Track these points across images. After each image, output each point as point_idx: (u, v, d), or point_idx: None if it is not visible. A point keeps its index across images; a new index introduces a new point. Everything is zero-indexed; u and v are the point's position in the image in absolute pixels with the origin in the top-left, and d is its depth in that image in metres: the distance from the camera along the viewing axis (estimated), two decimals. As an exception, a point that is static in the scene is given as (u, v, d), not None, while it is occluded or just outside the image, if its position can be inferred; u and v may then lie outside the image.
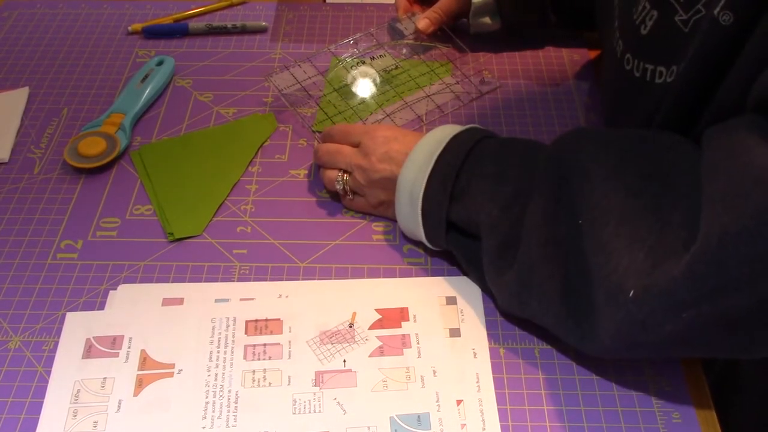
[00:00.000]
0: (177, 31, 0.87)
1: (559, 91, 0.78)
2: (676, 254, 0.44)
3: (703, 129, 0.51)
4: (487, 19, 0.80)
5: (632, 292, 0.46)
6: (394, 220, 0.64)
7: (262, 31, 0.87)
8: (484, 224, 0.55)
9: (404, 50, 0.81)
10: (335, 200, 0.67)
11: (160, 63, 0.80)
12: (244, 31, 0.87)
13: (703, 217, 0.43)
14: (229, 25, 0.87)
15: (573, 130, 0.55)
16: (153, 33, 0.86)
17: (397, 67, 0.79)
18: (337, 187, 0.64)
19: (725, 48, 0.48)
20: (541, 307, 0.52)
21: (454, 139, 0.58)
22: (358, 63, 0.79)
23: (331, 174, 0.64)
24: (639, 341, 0.48)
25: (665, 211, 0.46)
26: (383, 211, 0.64)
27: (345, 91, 0.76)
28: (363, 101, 0.76)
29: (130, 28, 0.87)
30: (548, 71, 0.81)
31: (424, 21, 0.80)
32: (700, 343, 0.48)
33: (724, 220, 0.41)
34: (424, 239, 0.60)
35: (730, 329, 0.46)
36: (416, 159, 0.59)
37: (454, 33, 0.82)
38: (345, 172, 0.64)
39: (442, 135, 0.59)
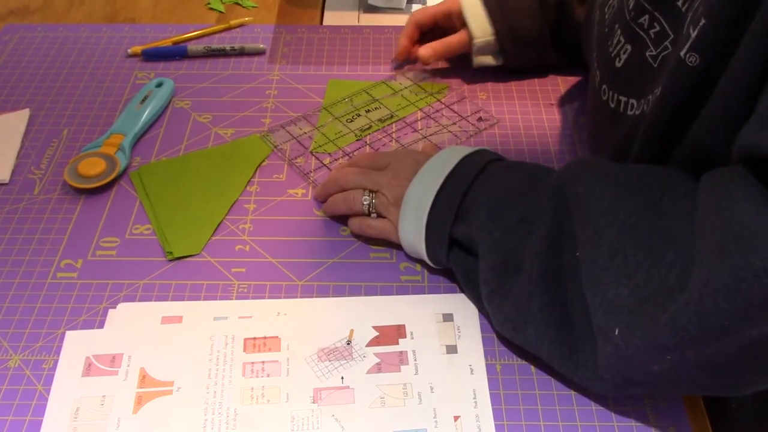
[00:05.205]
0: (176, 53, 0.87)
1: (556, 121, 0.78)
2: (660, 295, 0.45)
3: (681, 162, 0.52)
4: (489, 58, 0.81)
5: (617, 330, 0.47)
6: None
7: (260, 53, 0.88)
8: (484, 244, 0.55)
9: (399, 102, 0.81)
10: (333, 219, 0.67)
11: (159, 85, 0.80)
12: (242, 53, 0.88)
13: (693, 269, 0.44)
14: (227, 48, 0.87)
15: (577, 161, 0.56)
16: (152, 55, 0.87)
17: (392, 116, 0.79)
18: (364, 204, 0.63)
19: (693, 87, 0.49)
20: (537, 334, 0.52)
21: (464, 160, 0.59)
22: (353, 116, 0.79)
23: (356, 194, 0.64)
24: (629, 378, 0.49)
25: (656, 252, 0.46)
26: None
27: (339, 141, 0.76)
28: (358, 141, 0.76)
29: (129, 51, 0.87)
30: (543, 96, 0.82)
31: (427, 50, 0.80)
32: (689, 382, 0.49)
33: (705, 275, 0.42)
34: (424, 255, 0.60)
35: (716, 371, 0.47)
36: (425, 176, 0.59)
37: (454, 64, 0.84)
38: (371, 192, 0.63)
39: (452, 155, 0.60)
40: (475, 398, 0.54)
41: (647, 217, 0.48)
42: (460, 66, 0.85)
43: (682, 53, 0.48)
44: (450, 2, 0.81)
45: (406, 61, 0.87)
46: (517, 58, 0.81)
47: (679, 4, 0.52)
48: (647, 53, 0.55)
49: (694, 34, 0.48)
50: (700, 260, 0.43)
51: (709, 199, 0.45)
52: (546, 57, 0.81)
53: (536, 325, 0.52)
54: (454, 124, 0.78)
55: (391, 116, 0.79)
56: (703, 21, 0.47)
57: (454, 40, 0.81)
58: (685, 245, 0.46)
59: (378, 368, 0.56)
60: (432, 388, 0.54)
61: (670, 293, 0.44)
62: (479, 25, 0.78)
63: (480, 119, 0.79)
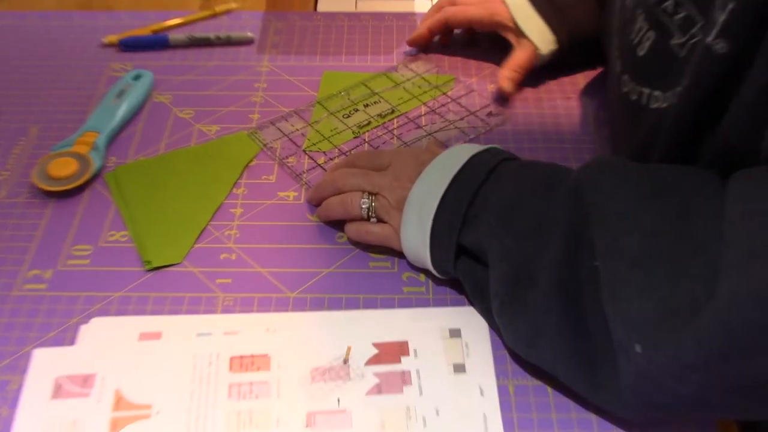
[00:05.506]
0: (156, 43, 0.86)
1: (574, 116, 0.77)
2: (686, 310, 0.43)
3: (709, 160, 0.51)
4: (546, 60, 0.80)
5: (639, 346, 0.45)
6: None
7: (248, 42, 0.87)
8: (494, 252, 0.53)
9: (401, 95, 0.79)
10: (328, 224, 0.66)
11: (137, 77, 0.79)
12: (228, 42, 0.87)
13: (720, 278, 0.42)
14: (212, 37, 0.86)
15: (596, 160, 0.54)
16: (130, 45, 0.86)
17: (393, 111, 0.78)
18: (363, 207, 0.62)
19: (723, 77, 0.48)
20: (553, 352, 0.51)
21: (473, 159, 0.58)
22: (351, 111, 0.77)
23: (354, 197, 0.62)
24: (654, 400, 0.47)
25: (682, 261, 0.45)
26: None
27: (335, 138, 0.75)
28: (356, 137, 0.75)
29: (104, 40, 0.86)
30: (560, 90, 0.80)
31: (508, 83, 0.78)
32: (720, 405, 0.47)
33: (733, 284, 0.41)
34: (429, 264, 0.59)
35: (749, 393, 0.45)
36: (430, 177, 0.58)
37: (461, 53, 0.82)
38: (370, 194, 0.62)
39: (459, 154, 0.58)
40: (485, 422, 0.52)
41: (671, 223, 0.47)
42: (468, 56, 0.83)
43: (709, 40, 0.47)
44: (491, 9, 0.80)
45: (418, 50, 0.86)
46: (571, 55, 0.79)
47: None
48: (673, 41, 0.53)
49: (722, 19, 0.46)
50: (728, 268, 0.42)
51: (738, 201, 0.44)
52: (597, 50, 0.79)
53: (552, 343, 0.50)
54: (462, 119, 0.77)
55: (392, 111, 0.78)
56: (731, 4, 0.45)
57: (523, 60, 0.78)
58: (713, 252, 0.44)
59: (378, 389, 0.54)
60: (437, 412, 0.53)
61: (696, 306, 0.43)
62: (540, 35, 0.76)
63: (490, 114, 0.77)
